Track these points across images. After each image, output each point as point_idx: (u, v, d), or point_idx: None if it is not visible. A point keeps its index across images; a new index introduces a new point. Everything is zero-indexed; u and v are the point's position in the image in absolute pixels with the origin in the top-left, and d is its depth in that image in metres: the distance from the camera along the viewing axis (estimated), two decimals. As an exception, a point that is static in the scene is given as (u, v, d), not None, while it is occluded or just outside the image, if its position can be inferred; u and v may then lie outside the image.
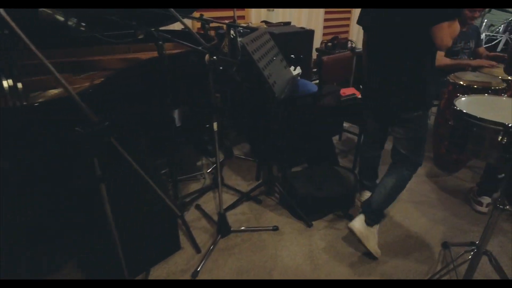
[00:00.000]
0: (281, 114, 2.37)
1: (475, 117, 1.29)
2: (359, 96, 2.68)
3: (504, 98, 1.58)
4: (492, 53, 3.05)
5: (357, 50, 3.92)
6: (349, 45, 3.86)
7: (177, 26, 1.99)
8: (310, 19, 3.78)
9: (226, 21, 1.72)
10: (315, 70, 3.50)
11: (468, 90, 2.44)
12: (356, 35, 4.40)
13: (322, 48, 3.77)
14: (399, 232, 2.06)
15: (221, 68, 1.47)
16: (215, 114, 1.64)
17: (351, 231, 1.82)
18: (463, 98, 1.55)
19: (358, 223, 1.81)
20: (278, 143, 2.47)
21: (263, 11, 3.33)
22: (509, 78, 2.56)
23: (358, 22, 1.83)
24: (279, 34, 2.85)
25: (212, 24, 2.36)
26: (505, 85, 2.42)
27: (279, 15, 3.44)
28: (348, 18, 4.26)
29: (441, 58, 2.86)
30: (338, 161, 2.71)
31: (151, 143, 1.90)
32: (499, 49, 3.95)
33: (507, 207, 1.32)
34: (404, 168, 1.83)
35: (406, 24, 1.52)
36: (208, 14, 2.40)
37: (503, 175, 2.16)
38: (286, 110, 2.38)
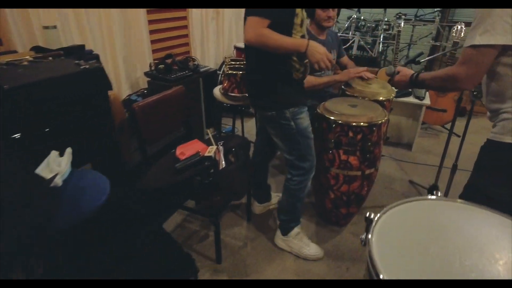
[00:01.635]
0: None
1: None
2: (209, 153, 1.73)
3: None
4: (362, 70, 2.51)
5: (203, 70, 3.01)
6: (191, 64, 2.89)
7: None
8: (128, 34, 2.64)
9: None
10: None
11: (349, 129, 1.75)
12: (199, 49, 3.46)
13: (153, 72, 2.69)
14: None
15: None
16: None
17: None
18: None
19: (277, 238, 1.95)
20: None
21: (39, 28, 2.02)
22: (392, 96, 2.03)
23: None
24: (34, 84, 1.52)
25: None
26: (386, 118, 1.83)
27: (68, 33, 2.18)
28: (185, 27, 3.28)
29: (306, 78, 2.15)
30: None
31: None
32: (354, 51, 3.63)
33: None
34: (291, 171, 1.77)
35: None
36: None
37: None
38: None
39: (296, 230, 1.90)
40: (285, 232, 1.91)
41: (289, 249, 1.91)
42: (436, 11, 4.50)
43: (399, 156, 3.06)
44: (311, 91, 2.27)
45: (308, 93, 2.33)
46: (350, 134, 1.74)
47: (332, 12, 2.18)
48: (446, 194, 1.92)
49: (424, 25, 4.60)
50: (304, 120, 1.66)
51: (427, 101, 2.97)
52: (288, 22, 1.49)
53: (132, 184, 1.65)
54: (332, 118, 1.77)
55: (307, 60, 1.63)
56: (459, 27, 3.35)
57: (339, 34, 3.74)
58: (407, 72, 1.49)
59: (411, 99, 2.99)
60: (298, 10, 1.49)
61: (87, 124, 1.47)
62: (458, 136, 3.21)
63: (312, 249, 1.87)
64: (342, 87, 2.31)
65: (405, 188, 2.59)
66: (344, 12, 4.68)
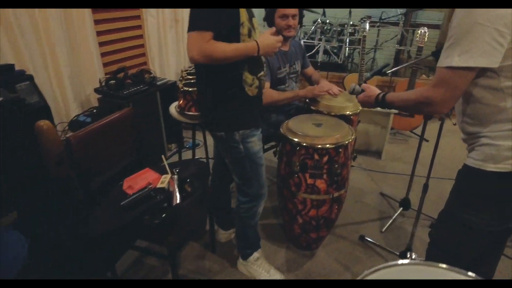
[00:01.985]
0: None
1: None
2: (162, 185, 1.55)
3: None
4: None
5: (160, 82, 2.80)
6: (147, 77, 2.67)
7: None
8: (73, 47, 2.39)
9: None
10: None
11: (315, 151, 1.62)
12: (157, 60, 3.23)
13: (104, 88, 2.46)
14: None
15: None
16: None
17: None
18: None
19: (238, 264, 1.86)
20: None
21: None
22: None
23: None
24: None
25: None
26: (353, 137, 1.72)
27: None
28: (141, 36, 3.05)
29: (267, 92, 2.01)
30: None
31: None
32: (319, 58, 3.54)
33: None
34: (239, 197, 1.66)
35: None
36: None
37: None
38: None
39: (255, 255, 1.80)
40: (244, 257, 1.82)
41: (249, 275, 1.81)
42: (400, 14, 4.52)
43: (369, 166, 2.99)
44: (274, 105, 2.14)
45: (272, 107, 2.20)
46: (316, 156, 1.61)
47: (291, 21, 2.05)
48: (418, 212, 1.83)
49: (388, 28, 4.61)
50: (255, 144, 1.51)
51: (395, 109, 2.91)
52: (233, 32, 1.34)
53: (74, 228, 1.44)
54: (295, 140, 1.63)
55: (261, 73, 1.48)
56: (422, 31, 3.34)
57: (303, 41, 3.67)
58: (372, 91, 1.38)
59: (378, 108, 2.92)
60: (243, 19, 1.33)
61: (6, 164, 1.25)
62: (427, 140, 3.20)
63: (271, 275, 1.77)
64: (307, 100, 2.19)
65: (377, 202, 2.51)
66: (310, 15, 4.60)
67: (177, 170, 1.70)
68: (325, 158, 1.62)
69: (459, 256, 1.21)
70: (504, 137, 1.04)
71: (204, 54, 1.26)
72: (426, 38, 3.27)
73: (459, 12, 1.00)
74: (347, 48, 4.04)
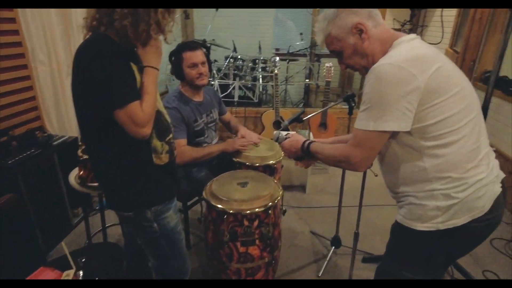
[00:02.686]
0: None
1: None
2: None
3: None
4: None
5: (58, 142, 2.40)
6: (39, 136, 2.27)
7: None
8: None
9: None
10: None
11: (243, 217, 1.50)
12: (53, 113, 2.80)
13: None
14: None
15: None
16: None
17: None
18: None
19: None
20: None
21: None
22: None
23: None
24: None
25: None
26: (281, 193, 1.65)
27: None
28: (31, 88, 2.61)
29: (185, 151, 1.85)
30: None
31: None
32: (236, 97, 3.51)
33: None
34: (158, 277, 1.43)
35: None
36: None
37: None
38: None
39: None
40: None
41: None
42: (305, 48, 4.81)
43: (295, 202, 2.99)
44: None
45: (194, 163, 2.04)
46: (245, 223, 1.49)
47: (202, 68, 1.96)
48: (352, 259, 1.82)
49: (297, 61, 4.87)
50: (171, 218, 1.32)
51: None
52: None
53: None
54: (220, 206, 1.49)
55: (170, 136, 1.29)
56: (327, 65, 3.57)
57: (218, 81, 3.62)
58: (298, 138, 1.36)
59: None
60: (136, 74, 1.12)
61: None
62: (376, 175, 3.35)
63: None
64: (230, 153, 2.08)
65: (309, 242, 2.48)
66: (220, 51, 4.60)
67: (83, 261, 1.41)
68: (256, 223, 1.51)
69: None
70: (428, 197, 1.06)
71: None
72: (332, 72, 3.51)
73: (369, 78, 1.03)
74: (260, 85, 4.11)
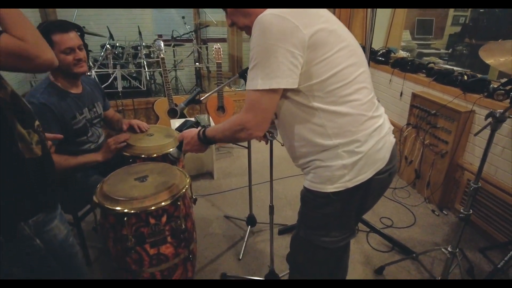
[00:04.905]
0: None
1: None
2: None
3: None
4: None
5: None
6: None
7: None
8: None
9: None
10: None
11: (149, 215, 1.30)
12: None
13: None
14: None
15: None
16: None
17: None
18: None
19: None
20: None
21: None
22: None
23: None
24: None
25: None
26: (188, 180, 1.50)
27: None
28: None
29: (57, 160, 1.53)
30: None
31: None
32: (119, 87, 3.12)
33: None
34: None
35: None
36: None
37: None
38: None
39: None
40: None
41: None
42: (190, 32, 4.60)
43: (205, 190, 2.86)
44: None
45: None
46: (152, 221, 1.30)
47: (80, 53, 1.63)
48: (271, 236, 1.79)
49: (184, 45, 4.63)
50: (59, 229, 1.04)
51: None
52: None
53: None
54: (118, 208, 1.26)
55: (37, 123, 0.99)
56: (215, 47, 3.46)
57: (95, 71, 3.15)
58: (190, 134, 1.23)
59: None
60: None
61: None
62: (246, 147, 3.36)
63: None
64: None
65: (225, 227, 2.40)
66: (95, 40, 4.05)
67: None
68: (164, 219, 1.32)
69: (321, 275, 1.22)
70: (332, 157, 1.05)
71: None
72: (221, 54, 3.42)
73: (254, 31, 0.97)
74: (146, 72, 3.77)
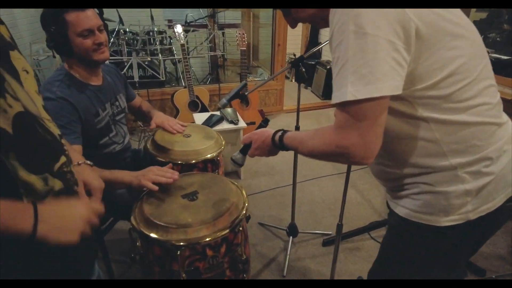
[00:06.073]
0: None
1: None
2: None
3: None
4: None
5: None
6: None
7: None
8: None
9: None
10: None
11: (206, 247, 1.02)
12: None
13: None
14: None
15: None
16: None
17: None
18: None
19: None
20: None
21: None
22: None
23: None
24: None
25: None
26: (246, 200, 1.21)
27: None
28: None
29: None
30: None
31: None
32: (136, 77, 2.81)
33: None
34: None
35: None
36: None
37: None
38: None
39: None
40: None
41: None
42: (205, 16, 4.26)
43: (233, 192, 2.59)
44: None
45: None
46: (209, 253, 1.02)
47: (101, 36, 1.33)
48: (336, 251, 1.53)
49: (198, 31, 4.29)
50: None
51: (242, 123, 2.58)
52: None
53: None
54: (167, 240, 0.98)
55: (63, 160, 0.67)
56: (239, 33, 3.14)
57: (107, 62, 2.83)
58: (261, 137, 0.95)
59: (225, 126, 2.54)
60: None
61: None
62: None
63: None
64: (152, 151, 1.52)
65: (260, 236, 2.13)
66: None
67: None
68: (223, 249, 1.05)
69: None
70: (449, 180, 0.77)
71: None
72: (245, 40, 3.10)
73: (337, 20, 0.67)
74: (162, 61, 3.47)
